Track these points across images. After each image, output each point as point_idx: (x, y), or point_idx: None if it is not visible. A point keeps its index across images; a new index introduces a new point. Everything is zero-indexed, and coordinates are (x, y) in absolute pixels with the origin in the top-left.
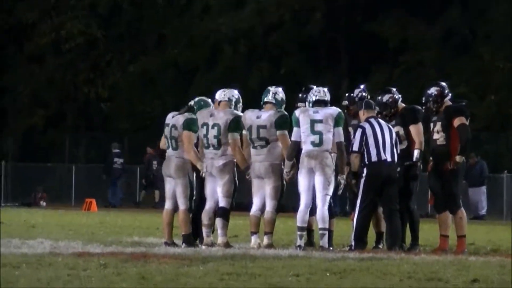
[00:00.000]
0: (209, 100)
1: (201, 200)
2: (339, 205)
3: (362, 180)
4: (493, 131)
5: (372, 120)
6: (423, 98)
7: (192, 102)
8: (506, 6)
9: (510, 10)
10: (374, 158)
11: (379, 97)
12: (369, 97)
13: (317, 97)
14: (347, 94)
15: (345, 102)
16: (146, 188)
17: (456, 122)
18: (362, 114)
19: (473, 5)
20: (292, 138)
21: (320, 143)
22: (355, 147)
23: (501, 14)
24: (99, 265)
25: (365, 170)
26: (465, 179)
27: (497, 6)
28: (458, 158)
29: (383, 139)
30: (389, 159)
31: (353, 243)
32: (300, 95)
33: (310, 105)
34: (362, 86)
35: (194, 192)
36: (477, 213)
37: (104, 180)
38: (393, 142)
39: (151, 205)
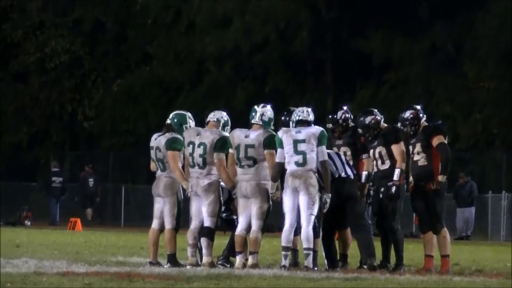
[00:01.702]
0: (185, 113)
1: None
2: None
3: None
4: (478, 151)
5: None
6: (399, 123)
7: (168, 120)
8: (492, 24)
9: (495, 27)
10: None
11: (361, 119)
12: (352, 117)
13: (300, 117)
14: (330, 116)
15: (330, 125)
16: (84, 205)
17: (435, 141)
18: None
19: (458, 23)
20: (276, 159)
21: (304, 162)
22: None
23: (487, 32)
24: (84, 285)
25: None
26: (454, 198)
27: (483, 24)
28: (440, 178)
29: (331, 160)
30: (343, 174)
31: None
32: (282, 118)
33: (294, 125)
34: (345, 108)
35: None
36: (463, 233)
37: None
38: (343, 161)
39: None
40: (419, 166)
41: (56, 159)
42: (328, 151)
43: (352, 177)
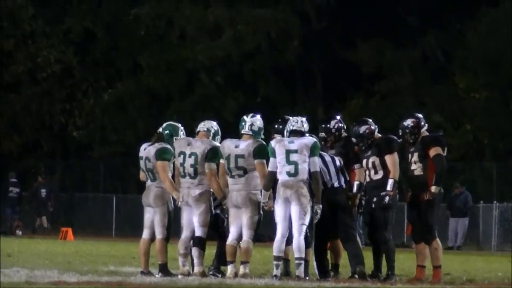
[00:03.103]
0: (178, 125)
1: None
2: None
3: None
4: (468, 161)
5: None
6: (400, 131)
7: (160, 129)
8: (482, 33)
9: (486, 37)
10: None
11: (356, 128)
12: (345, 127)
13: (294, 127)
14: (323, 126)
15: (322, 134)
16: (39, 214)
17: (432, 152)
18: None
19: (449, 32)
20: (269, 169)
21: (295, 173)
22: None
23: (477, 42)
24: None
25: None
26: (449, 209)
27: (473, 33)
28: (433, 189)
29: (325, 164)
30: (336, 184)
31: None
32: (276, 126)
33: (287, 134)
34: (338, 117)
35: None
36: (454, 243)
37: (79, 208)
38: (336, 165)
39: (40, 230)
40: (415, 176)
41: (14, 171)
42: (325, 155)
43: (343, 186)
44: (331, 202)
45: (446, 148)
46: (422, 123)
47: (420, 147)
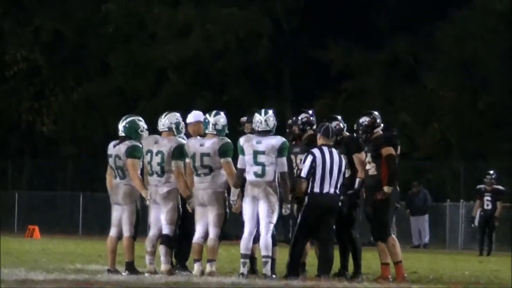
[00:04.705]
0: (136, 117)
1: (183, 226)
2: (283, 233)
3: (302, 209)
4: (436, 160)
5: (325, 148)
6: (355, 125)
7: (121, 128)
8: (451, 34)
9: (455, 38)
10: (316, 189)
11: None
12: (314, 122)
13: (259, 129)
14: (294, 118)
15: (289, 122)
16: None
17: (384, 152)
18: (318, 139)
19: (418, 33)
20: (238, 166)
21: (262, 174)
22: (303, 173)
23: (446, 42)
24: None
25: (306, 199)
26: (408, 207)
27: (442, 34)
28: (386, 189)
29: (330, 170)
30: (331, 191)
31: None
32: (246, 118)
33: (255, 133)
34: (310, 112)
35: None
36: (420, 241)
37: (46, 207)
38: (341, 174)
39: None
40: (369, 175)
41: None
42: (338, 155)
43: (338, 192)
44: (320, 206)
45: (398, 148)
46: (378, 122)
47: (373, 147)
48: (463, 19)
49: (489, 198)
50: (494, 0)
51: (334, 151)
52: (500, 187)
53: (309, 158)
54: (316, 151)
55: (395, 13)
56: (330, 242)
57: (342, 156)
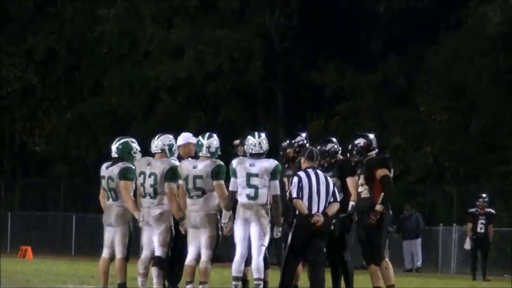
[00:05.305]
0: (129, 139)
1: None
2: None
3: (291, 231)
4: (429, 183)
5: (310, 170)
6: (349, 146)
7: (114, 149)
8: (443, 57)
9: (447, 61)
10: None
11: (320, 146)
12: (308, 145)
13: (253, 151)
14: (288, 141)
15: (284, 144)
16: None
17: (379, 173)
18: (302, 162)
19: (410, 55)
20: (230, 188)
21: (255, 196)
22: (294, 194)
23: (438, 65)
24: None
25: (295, 221)
26: (400, 231)
27: (434, 57)
28: (378, 207)
29: (317, 191)
30: (320, 212)
31: None
32: (239, 140)
33: (248, 156)
34: (304, 135)
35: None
36: (412, 265)
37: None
38: (329, 194)
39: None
40: (361, 198)
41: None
42: (323, 176)
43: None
44: (310, 228)
45: (392, 170)
46: (373, 146)
47: (366, 169)
48: (454, 41)
49: (483, 221)
50: (486, 24)
51: (320, 172)
52: (492, 211)
53: (295, 179)
54: (301, 173)
55: (387, 35)
56: (320, 264)
57: (334, 179)
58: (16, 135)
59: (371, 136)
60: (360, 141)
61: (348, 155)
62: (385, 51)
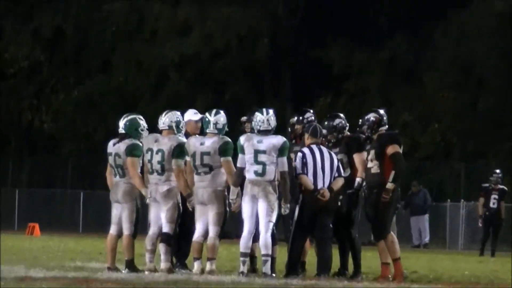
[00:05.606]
0: (137, 116)
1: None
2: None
3: (298, 208)
4: (436, 160)
5: (314, 146)
6: (360, 121)
7: (121, 125)
8: (451, 35)
9: (455, 38)
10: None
11: (328, 121)
12: (316, 122)
13: (261, 128)
14: (297, 117)
15: (293, 120)
16: None
17: (390, 150)
18: (306, 139)
19: (418, 33)
20: (238, 165)
21: (263, 173)
22: (298, 171)
23: (446, 43)
24: None
25: (301, 197)
26: (408, 207)
27: (443, 35)
28: (389, 185)
29: (322, 167)
30: (325, 187)
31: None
32: (246, 117)
33: (256, 132)
34: (311, 111)
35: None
36: (420, 241)
37: (46, 204)
38: (334, 170)
39: None
40: (371, 173)
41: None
42: (327, 152)
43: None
44: (317, 204)
45: (402, 147)
46: (384, 122)
47: (377, 144)
48: (462, 20)
49: (496, 196)
50: (494, 1)
51: (324, 148)
52: (505, 187)
53: (299, 155)
54: (305, 149)
55: (394, 13)
56: (327, 240)
57: (341, 155)
58: (24, 113)
59: (382, 111)
60: (371, 116)
61: (358, 130)
62: (393, 29)
